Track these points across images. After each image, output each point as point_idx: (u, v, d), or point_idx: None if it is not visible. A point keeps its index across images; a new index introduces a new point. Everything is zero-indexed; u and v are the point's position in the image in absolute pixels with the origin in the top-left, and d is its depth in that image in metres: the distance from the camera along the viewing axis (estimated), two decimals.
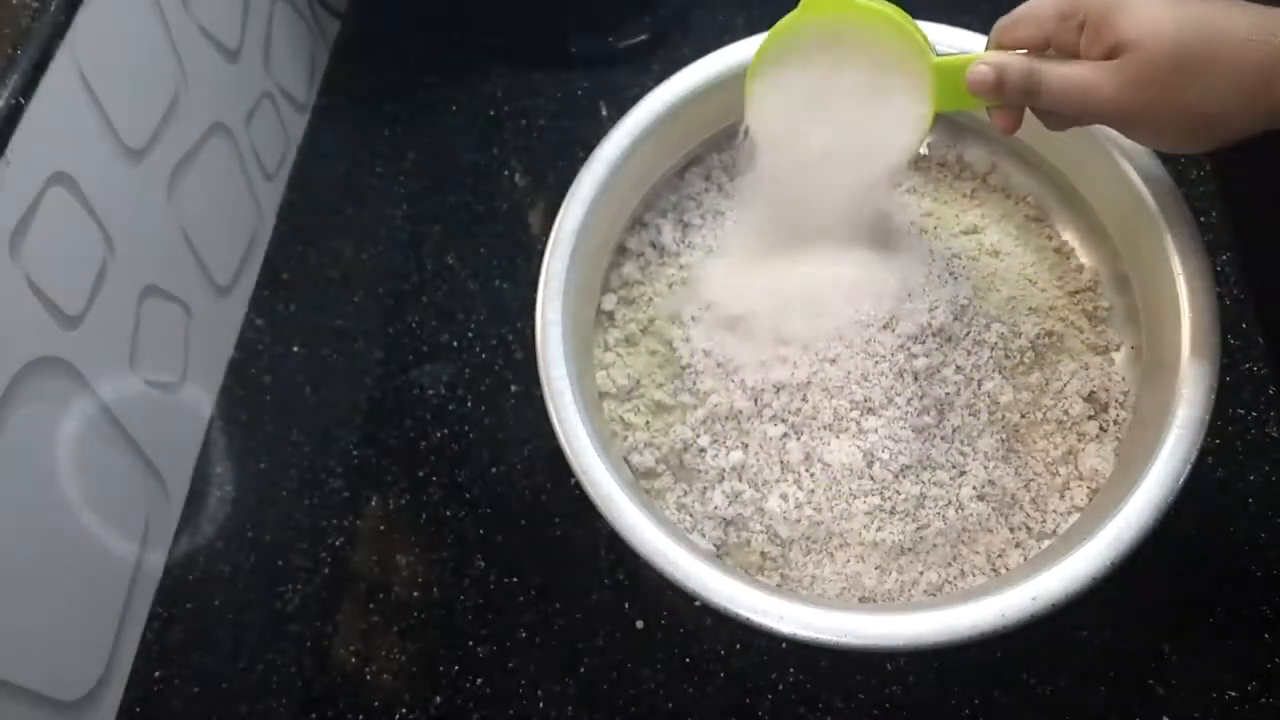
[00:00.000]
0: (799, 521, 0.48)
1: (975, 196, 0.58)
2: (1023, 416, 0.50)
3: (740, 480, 0.50)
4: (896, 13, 0.44)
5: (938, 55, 0.44)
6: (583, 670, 0.51)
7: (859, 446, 0.49)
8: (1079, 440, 0.50)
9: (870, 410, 0.49)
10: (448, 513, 0.56)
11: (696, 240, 0.57)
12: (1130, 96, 0.38)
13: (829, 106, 0.46)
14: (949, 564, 0.48)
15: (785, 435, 0.49)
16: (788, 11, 0.45)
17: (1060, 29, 0.40)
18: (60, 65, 0.45)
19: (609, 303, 0.56)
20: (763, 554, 0.48)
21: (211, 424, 0.60)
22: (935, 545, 0.48)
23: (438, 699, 0.51)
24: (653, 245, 0.58)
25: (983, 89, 0.41)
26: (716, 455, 0.50)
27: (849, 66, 0.45)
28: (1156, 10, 0.37)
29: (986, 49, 0.43)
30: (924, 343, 0.49)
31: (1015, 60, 0.41)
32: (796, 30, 0.45)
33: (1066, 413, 0.50)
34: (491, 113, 0.72)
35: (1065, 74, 0.39)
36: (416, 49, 0.75)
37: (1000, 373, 0.50)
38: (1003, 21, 0.42)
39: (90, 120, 0.48)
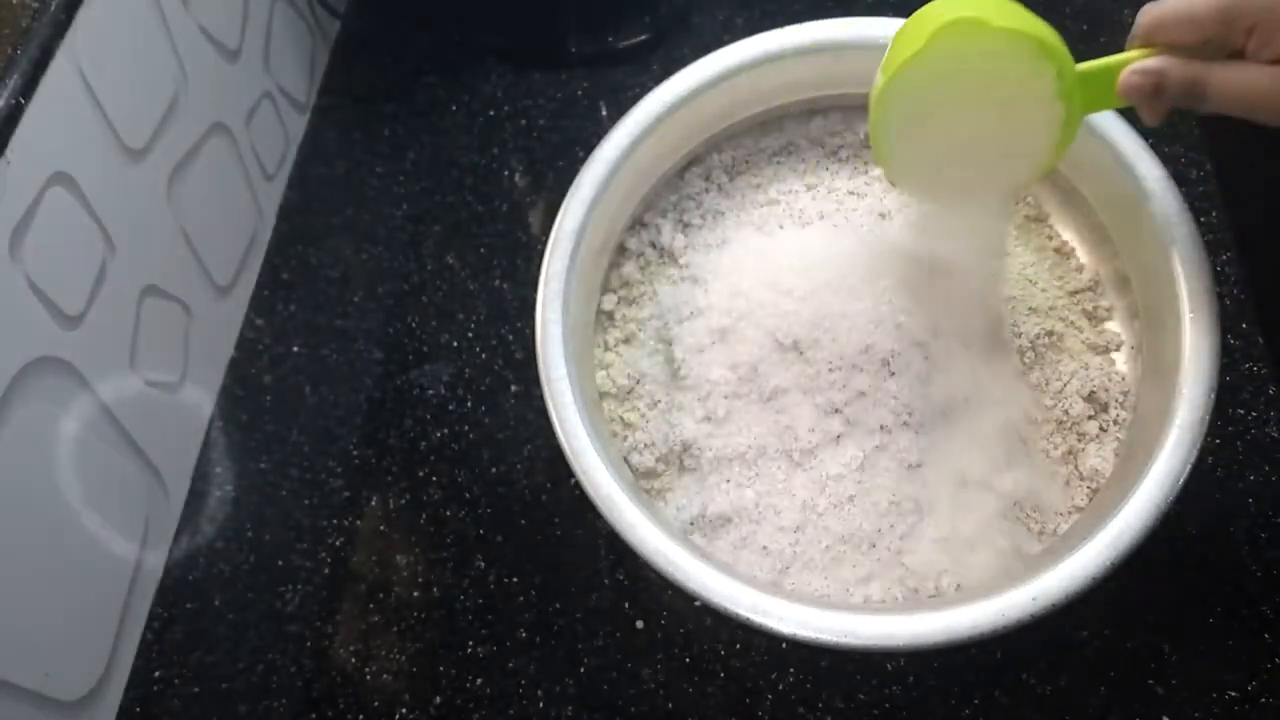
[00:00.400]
0: (799, 521, 0.48)
1: None
2: (1023, 416, 0.50)
3: (740, 480, 0.50)
4: (1028, 25, 0.40)
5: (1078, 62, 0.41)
6: (583, 670, 0.51)
7: (860, 444, 0.49)
8: (1079, 440, 0.50)
9: (871, 411, 0.49)
10: (448, 513, 0.56)
11: (696, 240, 0.57)
12: None
13: (967, 137, 0.44)
14: (949, 564, 0.48)
15: (785, 434, 0.49)
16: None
17: (1222, 32, 0.37)
18: (60, 65, 0.45)
19: (609, 303, 0.56)
20: (764, 550, 0.48)
21: (211, 424, 0.60)
22: (935, 545, 0.48)
23: (438, 699, 0.51)
24: (653, 245, 0.58)
25: (1138, 96, 0.39)
26: (716, 455, 0.50)
27: (983, 92, 0.42)
28: None
29: (1130, 45, 0.40)
30: (926, 350, 0.49)
31: (1175, 67, 0.38)
32: (920, 62, 0.41)
33: (1066, 413, 0.50)
34: (491, 113, 0.72)
35: (1236, 80, 0.37)
36: (416, 49, 0.75)
37: (1000, 376, 0.50)
38: (1150, 16, 0.39)
39: (90, 120, 0.48)
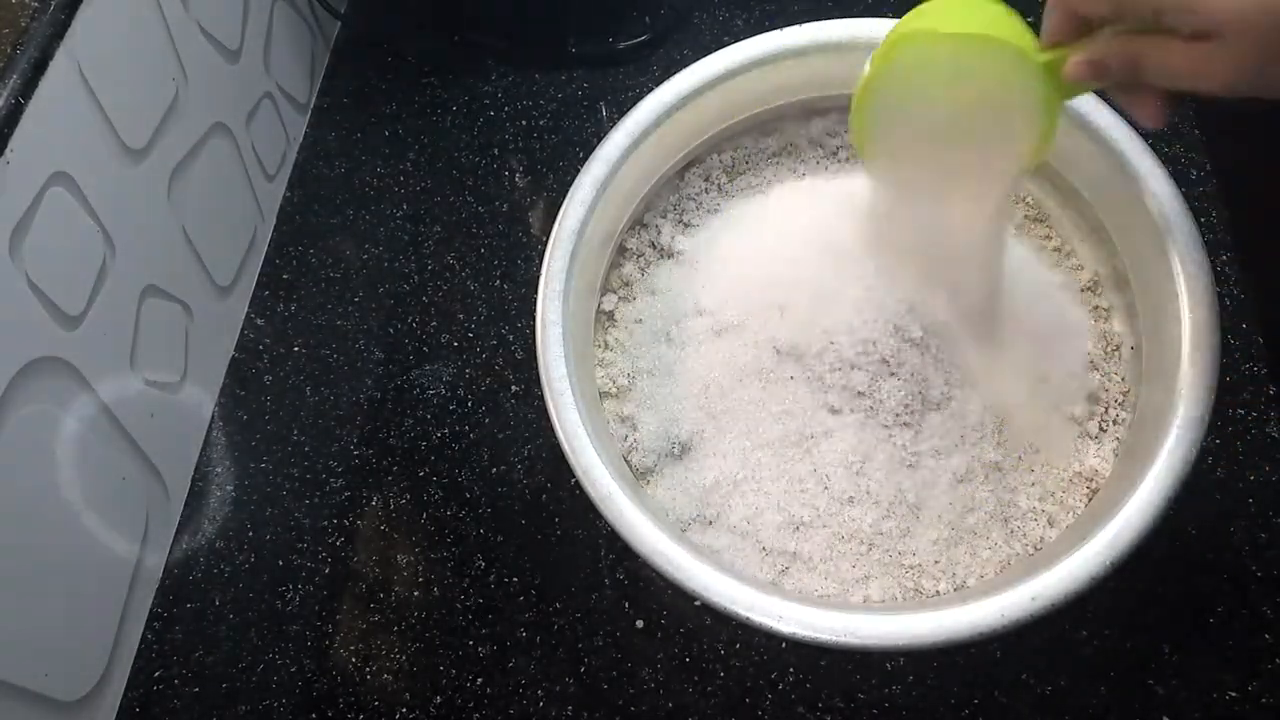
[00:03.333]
0: (799, 521, 0.48)
1: None
2: (1023, 416, 0.50)
3: (740, 479, 0.50)
4: (984, 25, 0.41)
5: (1041, 49, 0.40)
6: (583, 670, 0.51)
7: (858, 444, 0.49)
8: (1079, 440, 0.50)
9: (870, 409, 0.49)
10: (448, 513, 0.56)
11: (696, 240, 0.57)
12: (1242, 78, 0.35)
13: (951, 131, 0.45)
14: (949, 564, 0.48)
15: (785, 434, 0.49)
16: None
17: (1120, 14, 0.37)
18: (60, 65, 0.45)
19: (609, 303, 0.56)
20: (764, 550, 0.48)
21: (211, 424, 0.60)
22: (935, 545, 0.48)
23: (438, 699, 0.51)
24: (653, 245, 0.58)
25: (1088, 80, 0.39)
26: (716, 454, 0.50)
27: (959, 90, 0.43)
28: None
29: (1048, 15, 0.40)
30: (924, 348, 0.49)
31: (1110, 49, 0.38)
32: (889, 74, 0.43)
33: (1067, 413, 0.50)
34: (491, 113, 0.72)
35: (1168, 60, 0.36)
36: (416, 49, 0.75)
37: (1000, 374, 0.50)
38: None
39: (90, 120, 0.48)
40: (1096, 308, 0.53)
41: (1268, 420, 0.55)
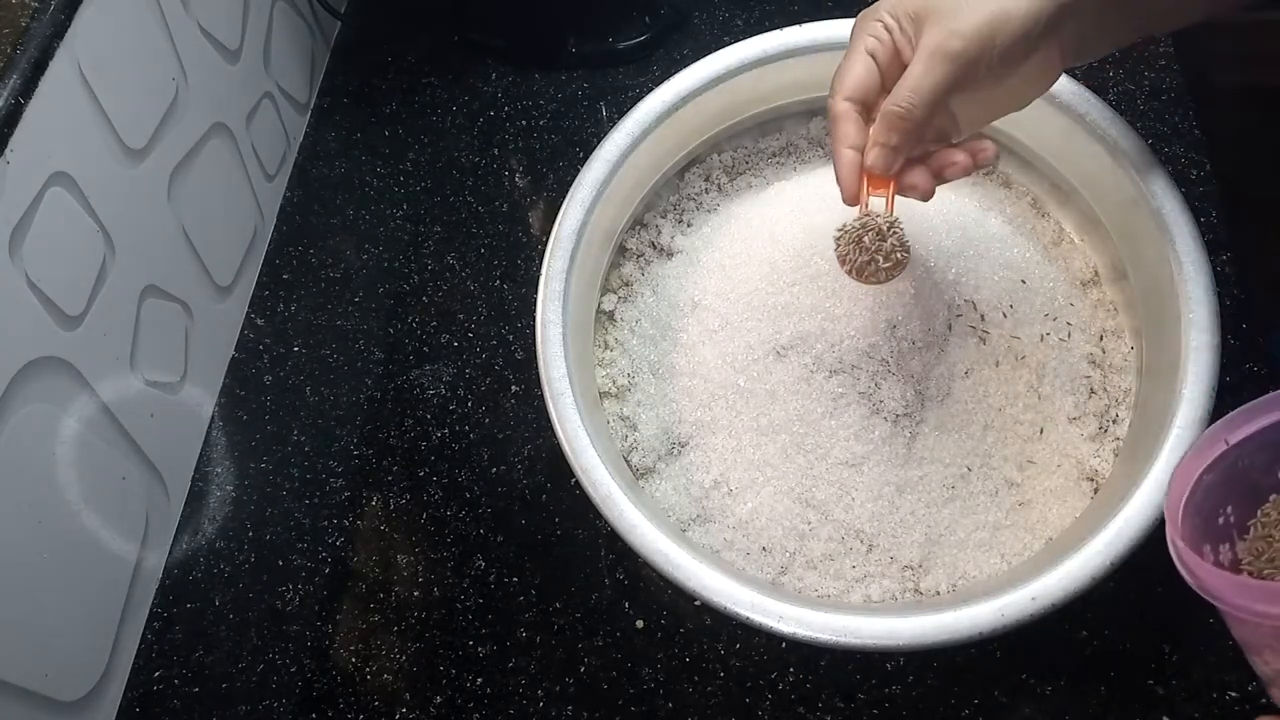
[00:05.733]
0: (799, 520, 0.48)
1: None
2: (1023, 417, 0.50)
3: (740, 479, 0.50)
4: None
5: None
6: (583, 670, 0.51)
7: (858, 444, 0.49)
8: (1079, 440, 0.50)
9: (869, 409, 0.49)
10: (448, 513, 0.56)
11: (696, 239, 0.57)
12: (947, 71, 0.40)
13: None
14: (949, 564, 0.48)
15: (785, 434, 0.49)
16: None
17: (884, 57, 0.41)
18: (60, 65, 0.45)
19: (609, 303, 0.56)
20: (764, 549, 0.48)
21: (211, 424, 0.60)
22: (935, 545, 0.48)
23: (438, 699, 0.51)
24: (653, 245, 0.58)
25: (875, 170, 0.42)
26: (717, 454, 0.50)
27: None
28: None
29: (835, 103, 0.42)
30: (924, 346, 0.49)
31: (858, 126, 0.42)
32: None
33: (1066, 413, 0.50)
34: (491, 113, 0.72)
35: (909, 84, 0.40)
36: (416, 49, 0.75)
37: (1000, 373, 0.50)
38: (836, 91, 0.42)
39: (90, 120, 0.48)
40: (1098, 304, 0.53)
41: None
